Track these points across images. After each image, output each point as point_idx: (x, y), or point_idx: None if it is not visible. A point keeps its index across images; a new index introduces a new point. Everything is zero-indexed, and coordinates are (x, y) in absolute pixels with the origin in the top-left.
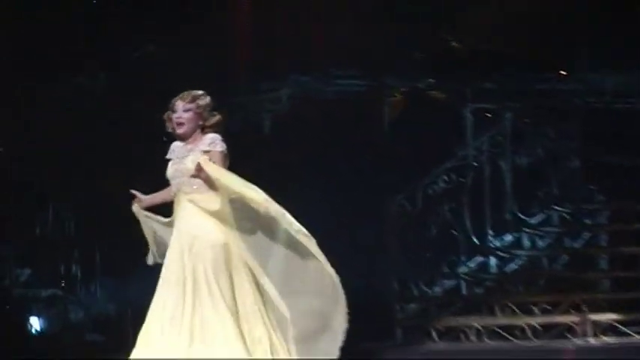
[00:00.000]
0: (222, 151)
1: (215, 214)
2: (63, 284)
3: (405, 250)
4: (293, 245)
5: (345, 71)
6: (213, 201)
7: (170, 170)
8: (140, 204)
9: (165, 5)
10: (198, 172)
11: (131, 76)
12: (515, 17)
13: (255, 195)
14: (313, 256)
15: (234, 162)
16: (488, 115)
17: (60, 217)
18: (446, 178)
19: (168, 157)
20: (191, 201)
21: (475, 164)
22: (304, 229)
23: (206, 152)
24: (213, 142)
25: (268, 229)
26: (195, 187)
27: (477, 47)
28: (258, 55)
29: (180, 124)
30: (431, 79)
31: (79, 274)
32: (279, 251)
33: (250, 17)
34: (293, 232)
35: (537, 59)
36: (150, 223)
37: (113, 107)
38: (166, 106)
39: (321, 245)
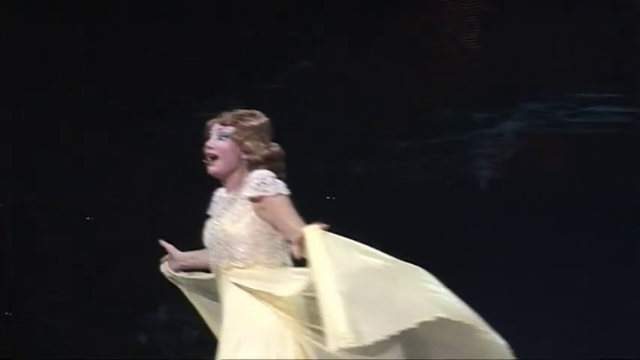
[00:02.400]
0: (278, 194)
1: (284, 308)
2: None
3: None
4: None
5: (597, 94)
6: (278, 281)
7: (206, 235)
8: (172, 264)
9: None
10: (298, 247)
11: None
12: None
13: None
14: None
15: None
16: None
17: None
18: None
19: (209, 212)
20: (239, 285)
21: None
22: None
23: (253, 200)
24: (262, 181)
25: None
26: (240, 257)
27: None
28: (466, 76)
29: (213, 158)
30: None
31: None
32: None
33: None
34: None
35: None
36: (188, 292)
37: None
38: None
39: None
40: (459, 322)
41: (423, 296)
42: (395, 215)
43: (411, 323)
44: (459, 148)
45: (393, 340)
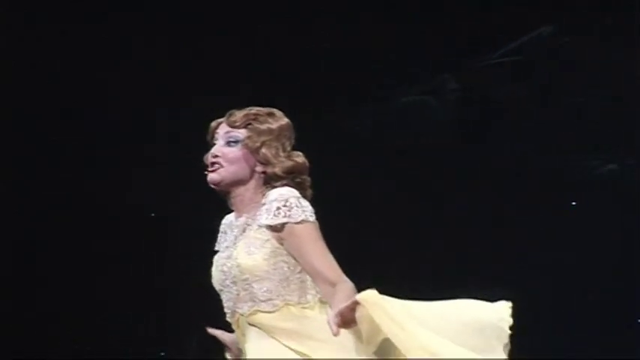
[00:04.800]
0: (303, 222)
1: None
2: None
3: None
4: None
5: None
6: (318, 333)
7: (214, 274)
8: (230, 352)
9: None
10: (342, 318)
11: None
12: None
13: None
14: None
15: None
16: None
17: None
18: None
19: (215, 248)
20: (273, 334)
21: None
22: None
23: (272, 229)
24: (284, 203)
25: None
26: (264, 297)
27: None
28: None
29: (216, 167)
30: None
31: None
32: None
33: None
34: None
35: None
36: None
37: None
38: None
39: None
40: None
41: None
42: None
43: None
44: None
45: None
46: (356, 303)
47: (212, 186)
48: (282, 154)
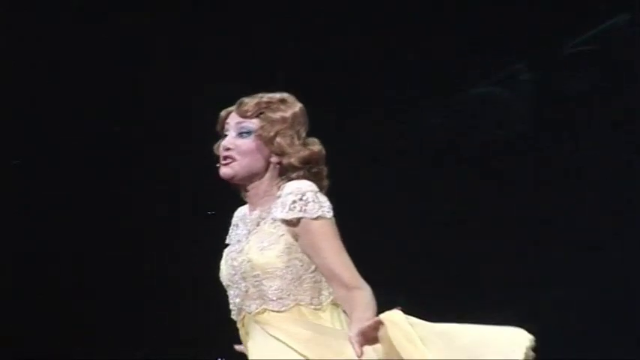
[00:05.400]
0: (321, 218)
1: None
2: None
3: None
4: None
5: None
6: (321, 331)
7: (223, 268)
8: None
9: None
10: (364, 337)
11: None
12: None
13: None
14: None
15: None
16: None
17: None
18: None
19: (227, 241)
20: (278, 339)
21: None
22: None
23: (287, 224)
24: (300, 197)
25: None
26: (275, 296)
27: None
28: None
29: (229, 161)
30: None
31: None
32: None
33: None
34: None
35: None
36: None
37: None
38: None
39: None
40: None
41: None
42: None
43: None
44: None
45: None
46: (379, 323)
47: (231, 184)
48: (297, 142)
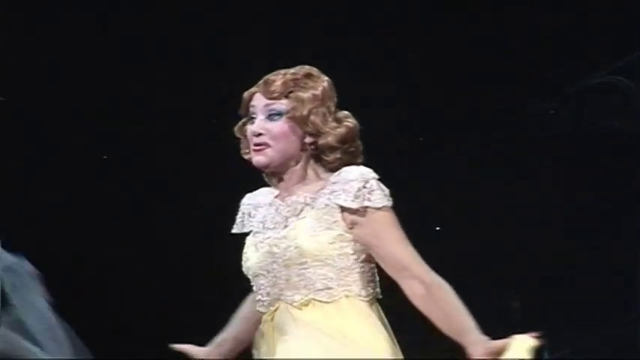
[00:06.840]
0: (386, 208)
1: None
2: None
3: None
4: None
5: None
6: (364, 325)
7: (254, 257)
8: None
9: None
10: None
11: None
12: None
13: None
14: None
15: None
16: None
17: None
18: None
19: (234, 230)
20: (320, 329)
21: None
22: None
23: (348, 212)
24: (365, 185)
25: None
26: (323, 285)
27: None
28: None
29: (262, 147)
30: None
31: None
32: None
33: None
34: None
35: None
36: None
37: None
38: None
39: None
40: None
41: None
42: None
43: None
44: None
45: None
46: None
47: (264, 170)
48: (330, 118)
